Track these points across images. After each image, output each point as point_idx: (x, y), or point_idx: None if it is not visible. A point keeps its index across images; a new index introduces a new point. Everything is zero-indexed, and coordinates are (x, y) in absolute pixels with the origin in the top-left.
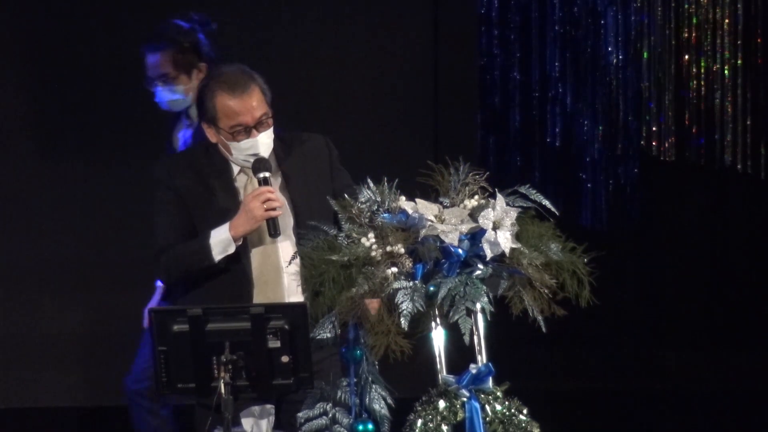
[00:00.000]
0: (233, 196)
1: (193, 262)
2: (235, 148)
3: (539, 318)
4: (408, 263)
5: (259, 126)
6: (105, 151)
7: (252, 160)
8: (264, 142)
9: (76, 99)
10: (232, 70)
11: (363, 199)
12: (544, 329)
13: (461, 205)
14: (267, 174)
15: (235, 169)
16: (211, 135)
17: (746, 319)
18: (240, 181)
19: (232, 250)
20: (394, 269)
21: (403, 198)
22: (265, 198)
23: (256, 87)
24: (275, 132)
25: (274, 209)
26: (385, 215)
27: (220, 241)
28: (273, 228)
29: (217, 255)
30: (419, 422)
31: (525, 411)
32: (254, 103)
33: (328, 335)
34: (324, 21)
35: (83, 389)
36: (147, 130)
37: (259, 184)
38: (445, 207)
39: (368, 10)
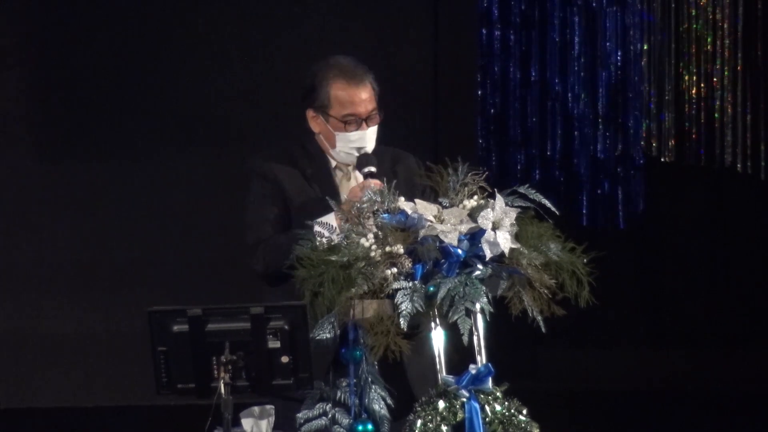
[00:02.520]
0: (332, 189)
1: (290, 250)
2: (342, 139)
3: (539, 318)
4: (407, 263)
5: (369, 120)
6: (105, 151)
7: (355, 153)
8: (371, 138)
9: (75, 98)
10: (348, 60)
11: (363, 200)
12: (543, 329)
13: (460, 206)
14: (373, 168)
15: (332, 163)
16: (317, 124)
17: (746, 319)
18: (336, 176)
19: (336, 239)
20: (394, 269)
21: (403, 198)
22: (374, 190)
23: (369, 80)
24: None
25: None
26: (384, 215)
27: (325, 228)
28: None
29: (331, 234)
30: (419, 422)
31: (525, 411)
32: (367, 95)
33: (328, 335)
34: (324, 21)
35: (84, 389)
36: (148, 130)
37: (365, 178)
38: (444, 207)
39: (368, 10)
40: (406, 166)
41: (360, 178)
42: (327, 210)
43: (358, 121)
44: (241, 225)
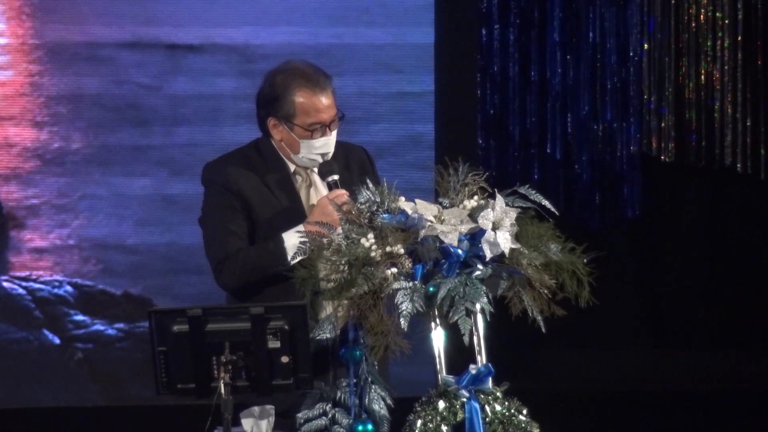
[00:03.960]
0: (293, 196)
1: (266, 264)
2: (307, 146)
3: (539, 318)
4: (407, 264)
5: (331, 125)
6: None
7: (319, 159)
8: (333, 143)
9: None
10: (308, 66)
11: (362, 200)
12: (543, 329)
13: (461, 206)
14: (336, 177)
15: (290, 168)
16: (278, 132)
17: (746, 319)
18: (296, 182)
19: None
20: (394, 270)
21: (403, 198)
22: (342, 201)
23: (330, 86)
24: None
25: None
26: (384, 216)
27: (293, 242)
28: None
29: (291, 253)
30: (419, 422)
31: (525, 411)
32: (329, 101)
33: (328, 335)
34: (323, 21)
35: (84, 389)
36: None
37: (329, 187)
38: (444, 207)
39: (368, 9)
40: (358, 159)
41: (319, 183)
42: (292, 221)
43: (323, 128)
44: (202, 237)
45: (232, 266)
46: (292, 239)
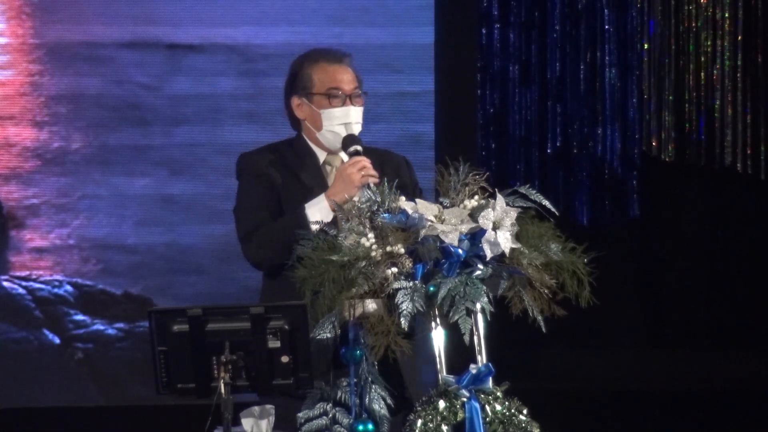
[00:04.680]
0: (322, 185)
1: (288, 233)
2: (327, 116)
3: (539, 318)
4: (408, 263)
5: (353, 98)
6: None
7: (342, 132)
8: (356, 116)
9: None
10: (327, 47)
11: (363, 200)
12: (543, 329)
13: (461, 205)
14: (359, 147)
15: (321, 157)
16: (302, 111)
17: (746, 319)
18: (325, 171)
19: (328, 218)
20: (394, 269)
21: (403, 198)
22: (361, 165)
23: (350, 63)
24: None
25: (371, 176)
26: (385, 215)
27: (317, 208)
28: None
29: (313, 220)
30: (419, 422)
31: (525, 411)
32: (349, 76)
33: (328, 335)
34: (323, 21)
35: (84, 389)
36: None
37: (350, 157)
38: (445, 207)
39: (368, 9)
40: (394, 164)
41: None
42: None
43: (343, 97)
44: (234, 220)
45: (257, 238)
46: (315, 204)
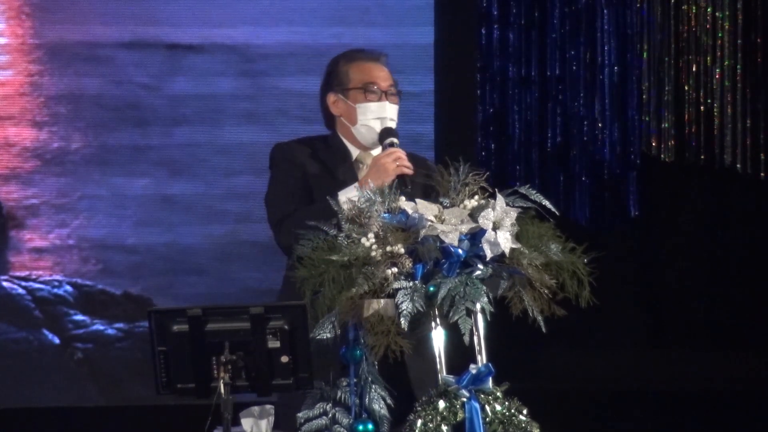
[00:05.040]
0: (353, 178)
1: (320, 220)
2: (363, 111)
3: (539, 318)
4: (408, 263)
5: (389, 95)
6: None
7: (377, 127)
8: (391, 114)
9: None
10: (362, 47)
11: (363, 200)
12: (544, 329)
13: (461, 206)
14: (395, 140)
15: (353, 152)
16: (337, 107)
17: (746, 319)
18: (358, 169)
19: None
20: (394, 269)
21: (403, 198)
22: (396, 156)
23: (386, 63)
24: None
25: (406, 167)
26: (385, 215)
27: (349, 196)
28: (404, 185)
29: (346, 208)
30: (419, 422)
31: (525, 411)
32: (385, 73)
33: (328, 335)
34: (323, 21)
35: (84, 389)
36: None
37: (385, 149)
38: (445, 207)
39: (368, 9)
40: (423, 168)
41: None
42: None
43: (379, 93)
44: (265, 206)
45: (288, 223)
46: (348, 192)
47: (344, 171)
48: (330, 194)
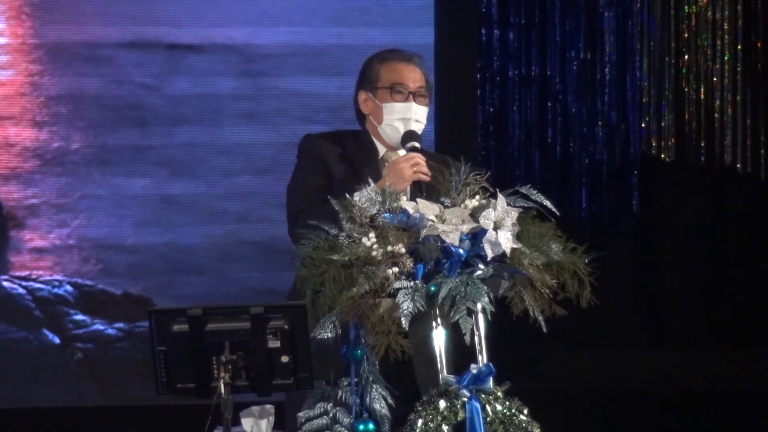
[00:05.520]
0: (377, 177)
1: (335, 218)
2: (389, 110)
3: (540, 318)
4: (409, 263)
5: (417, 96)
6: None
7: (402, 127)
8: (418, 113)
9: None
10: (398, 47)
11: (363, 199)
12: (544, 329)
13: (462, 205)
14: (417, 144)
15: (381, 151)
16: (366, 105)
17: (746, 319)
18: (383, 165)
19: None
20: (395, 269)
21: (404, 198)
22: (414, 162)
23: (420, 64)
24: None
25: (423, 173)
26: (385, 215)
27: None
28: (420, 192)
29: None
30: (419, 422)
31: (525, 411)
32: (416, 74)
33: (329, 335)
34: (323, 21)
35: (84, 389)
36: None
37: (408, 152)
38: (446, 207)
39: (368, 10)
40: (441, 162)
41: None
42: None
43: (405, 93)
44: (286, 196)
45: (304, 217)
46: (363, 194)
47: (369, 170)
48: (349, 184)
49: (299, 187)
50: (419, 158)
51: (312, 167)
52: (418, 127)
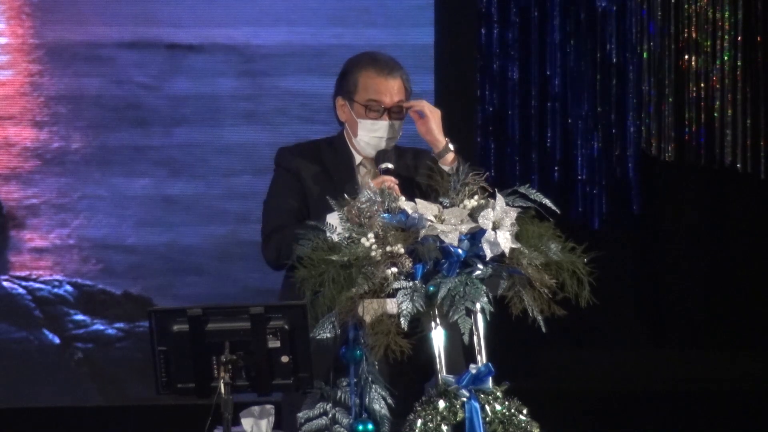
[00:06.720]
0: (353, 185)
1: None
2: (363, 127)
3: (539, 318)
4: (408, 263)
5: (392, 112)
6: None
7: (375, 143)
8: (392, 131)
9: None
10: (383, 54)
11: (363, 199)
12: (543, 329)
13: (461, 205)
14: (390, 165)
15: (356, 159)
16: (343, 112)
17: (746, 319)
18: (360, 172)
19: (337, 238)
20: (394, 269)
21: (403, 198)
22: (387, 186)
23: (401, 75)
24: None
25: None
26: (385, 215)
27: (338, 220)
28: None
29: (332, 234)
30: (419, 422)
31: (525, 411)
32: (395, 88)
33: (328, 335)
34: (323, 21)
35: (84, 389)
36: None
37: (381, 174)
38: (444, 207)
39: (368, 10)
40: (426, 163)
41: None
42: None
43: (381, 110)
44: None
45: (276, 239)
46: (333, 218)
47: (344, 175)
48: (324, 195)
49: (272, 205)
50: (391, 182)
51: (287, 184)
52: (391, 143)
